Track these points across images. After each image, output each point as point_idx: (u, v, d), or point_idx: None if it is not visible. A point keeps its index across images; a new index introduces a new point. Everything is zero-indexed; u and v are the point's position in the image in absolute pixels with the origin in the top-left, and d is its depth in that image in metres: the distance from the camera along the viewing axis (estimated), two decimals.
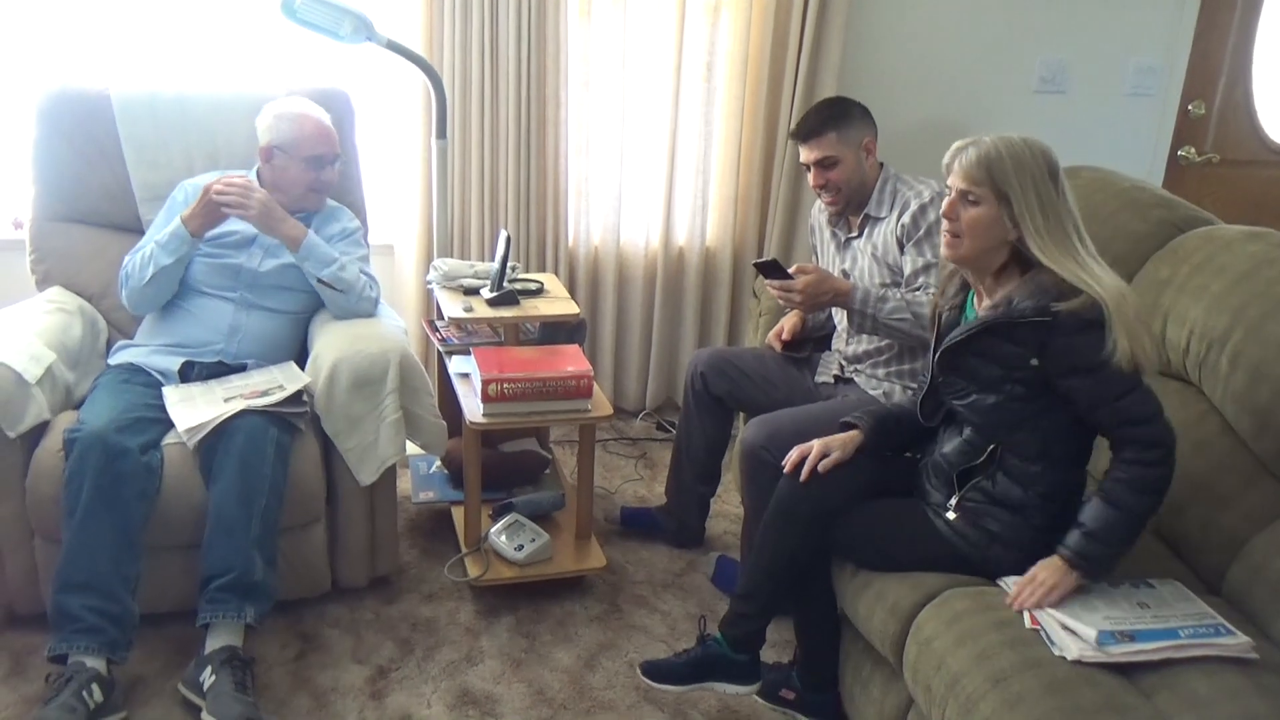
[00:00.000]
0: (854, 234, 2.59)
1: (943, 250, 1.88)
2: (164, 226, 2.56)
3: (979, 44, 3.65)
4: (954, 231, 1.84)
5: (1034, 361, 1.77)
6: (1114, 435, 1.79)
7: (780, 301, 2.48)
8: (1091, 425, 1.82)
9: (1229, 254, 2.07)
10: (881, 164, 2.56)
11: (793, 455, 2.04)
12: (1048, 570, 1.76)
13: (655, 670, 2.20)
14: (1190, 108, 3.81)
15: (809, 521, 2.01)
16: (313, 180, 2.61)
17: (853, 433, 2.06)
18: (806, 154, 2.55)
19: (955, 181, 1.83)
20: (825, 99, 2.71)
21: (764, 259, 2.47)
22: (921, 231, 2.43)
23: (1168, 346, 2.12)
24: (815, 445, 2.03)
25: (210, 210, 2.44)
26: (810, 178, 2.57)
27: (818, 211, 2.73)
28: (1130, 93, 3.80)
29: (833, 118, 2.52)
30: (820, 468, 2.00)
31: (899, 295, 2.42)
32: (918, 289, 2.42)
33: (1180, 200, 2.38)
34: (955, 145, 1.85)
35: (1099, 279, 1.75)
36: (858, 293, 2.40)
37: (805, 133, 2.54)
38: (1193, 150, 3.85)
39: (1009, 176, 1.76)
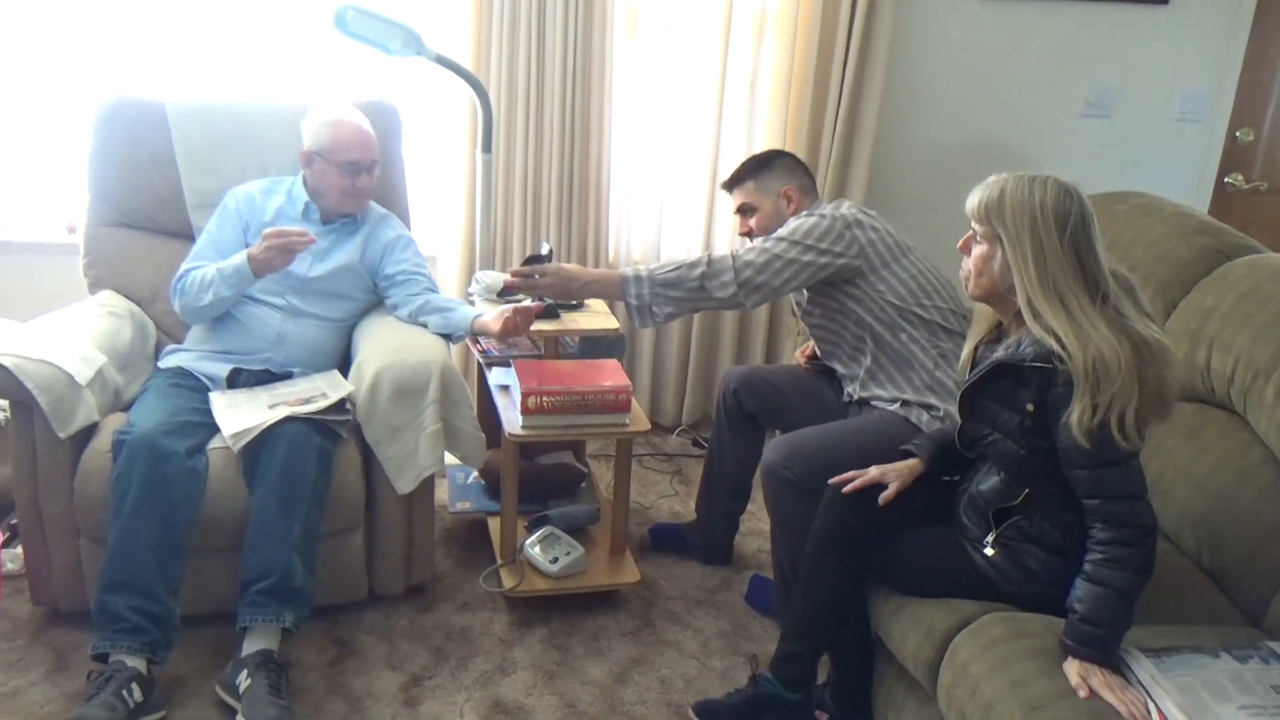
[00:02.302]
0: None
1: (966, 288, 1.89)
2: (215, 235, 2.61)
3: (1025, 67, 3.64)
4: (966, 268, 1.85)
5: (1029, 406, 1.74)
6: (1086, 504, 1.71)
7: (522, 290, 2.56)
8: (1069, 483, 1.74)
9: (1276, 282, 2.06)
10: (816, 204, 2.62)
11: (847, 474, 2.02)
12: (1075, 670, 1.63)
13: (709, 711, 2.17)
14: (1238, 134, 3.76)
15: (854, 548, 1.98)
16: (348, 185, 2.62)
17: (912, 461, 2.04)
18: (732, 202, 2.74)
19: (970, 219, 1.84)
20: (758, 152, 2.81)
21: (538, 253, 2.58)
22: (782, 224, 2.54)
23: (1212, 375, 2.10)
24: (873, 471, 2.01)
25: (279, 257, 2.42)
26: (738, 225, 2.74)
27: None
28: (1178, 118, 3.77)
29: (752, 168, 2.69)
30: (880, 500, 1.97)
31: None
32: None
33: (1227, 227, 2.36)
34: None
35: (1084, 335, 1.65)
36: (629, 270, 2.46)
37: (728, 183, 2.73)
38: (1240, 177, 3.80)
39: (1005, 220, 1.75)
